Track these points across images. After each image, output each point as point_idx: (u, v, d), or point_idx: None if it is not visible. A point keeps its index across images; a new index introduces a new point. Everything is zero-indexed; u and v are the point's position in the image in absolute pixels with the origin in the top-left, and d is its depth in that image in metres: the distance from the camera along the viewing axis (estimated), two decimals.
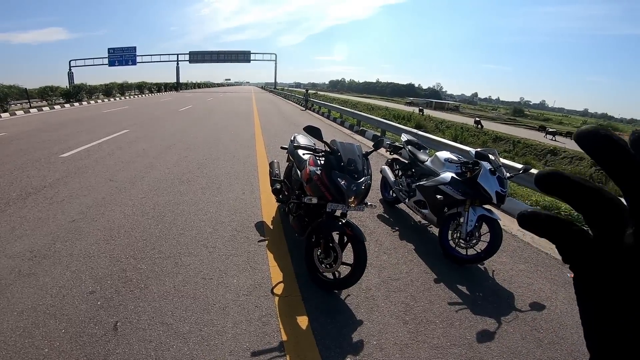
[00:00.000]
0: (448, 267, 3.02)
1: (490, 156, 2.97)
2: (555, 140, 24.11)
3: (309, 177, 2.46)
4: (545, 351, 2.11)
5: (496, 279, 2.93)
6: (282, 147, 3.16)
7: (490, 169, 2.90)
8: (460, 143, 13.16)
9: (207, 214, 3.71)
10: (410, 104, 52.85)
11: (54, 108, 16.37)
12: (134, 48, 44.23)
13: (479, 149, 3.10)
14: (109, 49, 43.42)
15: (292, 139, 3.46)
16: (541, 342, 2.18)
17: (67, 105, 17.97)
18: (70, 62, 41.27)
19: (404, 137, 4.31)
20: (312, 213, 2.56)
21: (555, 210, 4.45)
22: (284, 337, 2.01)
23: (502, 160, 4.93)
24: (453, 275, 2.89)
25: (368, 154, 2.52)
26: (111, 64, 43.32)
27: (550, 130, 27.51)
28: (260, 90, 65.32)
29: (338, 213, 2.40)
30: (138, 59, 44.98)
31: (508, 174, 3.05)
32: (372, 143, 4.34)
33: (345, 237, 2.37)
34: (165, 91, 41.36)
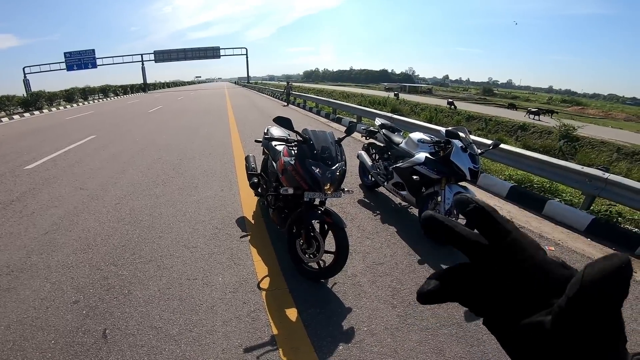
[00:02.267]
0: (431, 246, 3.05)
1: (461, 134, 3.05)
2: (540, 120, 23.09)
3: (284, 168, 2.45)
4: None
5: None
6: (256, 141, 3.12)
7: (461, 146, 2.98)
8: (435, 124, 13.46)
9: (186, 214, 3.63)
10: (389, 89, 53.30)
11: (13, 118, 15.36)
12: (93, 51, 41.90)
13: (449, 128, 3.17)
14: (65, 53, 40.89)
15: (265, 131, 3.41)
16: None
17: (26, 115, 16.89)
18: (24, 68, 38.55)
19: (378, 121, 4.35)
20: (290, 204, 2.56)
21: (528, 184, 4.64)
22: (275, 331, 2.01)
23: (472, 137, 5.10)
24: (436, 255, 2.93)
25: (341, 139, 2.52)
26: (69, 68, 40.91)
27: (533, 109, 26.67)
28: (233, 86, 63.80)
29: (317, 202, 2.41)
30: (99, 61, 42.69)
31: (479, 151, 3.14)
32: (363, 132, 4.36)
33: (325, 226, 2.38)
34: (132, 93, 39.63)
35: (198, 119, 12.17)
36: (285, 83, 20.17)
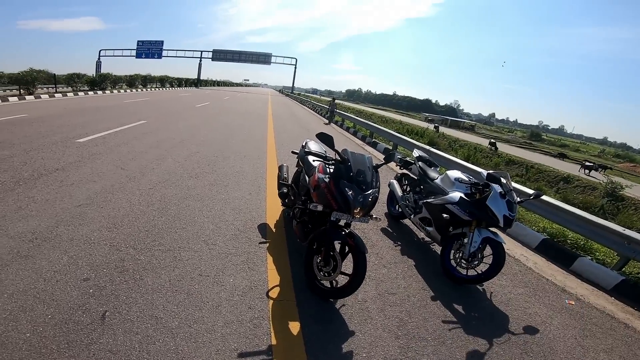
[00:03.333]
0: (446, 285, 3.00)
1: (502, 179, 2.92)
2: (589, 175, 21.51)
3: (317, 184, 2.45)
4: None
5: (493, 300, 2.92)
6: (292, 152, 3.16)
7: (500, 192, 2.86)
8: (472, 163, 13.02)
9: (212, 210, 3.73)
10: (430, 121, 52.58)
11: (78, 95, 16.88)
12: (162, 42, 45.42)
13: (490, 171, 3.05)
14: (138, 41, 44.73)
15: (303, 144, 3.46)
16: None
17: (90, 93, 18.51)
18: (100, 51, 42.75)
19: (416, 153, 4.29)
20: (315, 220, 2.55)
21: (561, 238, 4.51)
22: (274, 341, 1.99)
23: (514, 184, 4.86)
24: (450, 294, 2.87)
25: (378, 166, 2.51)
26: (138, 56, 44.57)
27: (588, 163, 24.10)
28: (277, 94, 66.10)
29: (342, 222, 2.38)
30: (164, 53, 46.13)
31: (518, 199, 3.00)
32: (383, 156, 4.33)
33: (346, 247, 2.36)
34: (186, 86, 42.24)
35: (239, 120, 12.67)
36: (330, 99, 18.90)
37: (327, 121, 17.10)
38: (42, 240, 2.67)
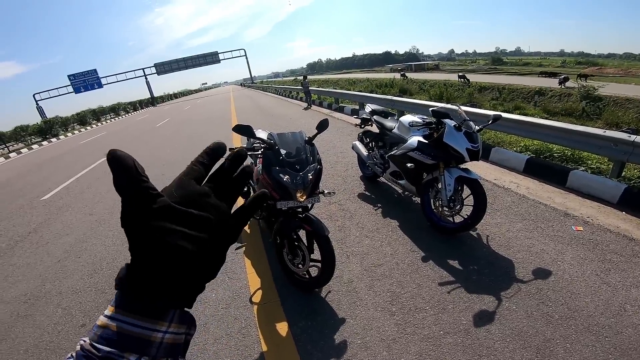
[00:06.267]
0: (436, 240, 2.79)
1: (452, 108, 2.75)
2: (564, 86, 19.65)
3: (257, 178, 2.32)
4: (557, 329, 1.82)
5: (491, 245, 2.62)
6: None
7: (455, 125, 2.72)
8: (447, 100, 12.91)
9: None
10: (394, 70, 51.71)
11: (32, 148, 16.12)
12: (95, 70, 42.81)
13: (434, 107, 2.87)
14: (68, 76, 41.91)
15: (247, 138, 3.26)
16: (551, 318, 1.90)
17: (44, 143, 17.70)
18: (34, 95, 39.95)
19: (368, 108, 4.09)
20: (276, 213, 2.42)
21: (547, 154, 4.29)
22: (264, 348, 1.94)
23: (471, 109, 4.70)
24: (442, 249, 2.64)
25: (312, 138, 2.31)
26: (77, 91, 42.12)
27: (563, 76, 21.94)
28: (239, 88, 64.06)
29: (300, 209, 2.25)
30: (103, 80, 43.76)
31: (477, 127, 2.80)
32: (356, 119, 4.08)
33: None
34: (142, 108, 40.59)
35: (202, 127, 12.23)
36: (302, 79, 14.68)
37: (305, 105, 13.82)
38: (35, 299, 2.83)
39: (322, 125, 2.28)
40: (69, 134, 20.83)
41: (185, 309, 0.31)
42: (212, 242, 0.31)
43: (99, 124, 26.23)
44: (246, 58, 58.77)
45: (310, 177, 2.08)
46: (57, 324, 2.44)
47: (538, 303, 2.00)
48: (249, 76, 66.51)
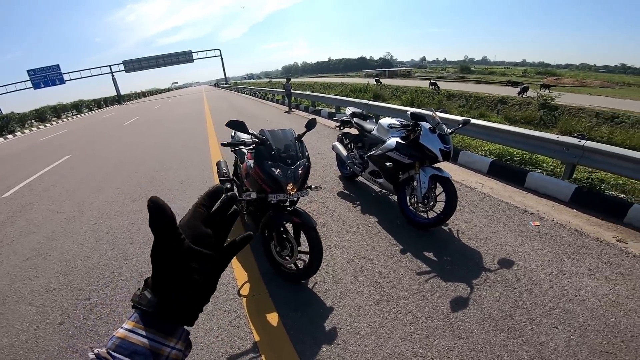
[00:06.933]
0: (413, 234, 3.00)
1: (427, 113, 3.00)
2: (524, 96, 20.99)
3: (247, 172, 2.39)
4: (523, 312, 2.03)
5: (462, 239, 2.89)
6: (222, 144, 3.01)
7: (430, 127, 2.95)
8: (418, 106, 13.50)
9: None
10: (368, 76, 52.89)
11: None
12: (57, 66, 40.07)
13: (413, 110, 3.12)
14: (28, 71, 38.90)
15: (232, 134, 3.33)
16: (517, 302, 2.12)
17: (0, 139, 16.32)
18: None
19: (348, 110, 4.29)
20: (262, 207, 2.51)
21: (508, 157, 4.65)
22: (257, 337, 1.99)
23: (443, 115, 5.04)
24: (419, 242, 2.86)
25: (301, 136, 2.45)
26: (36, 86, 39.18)
27: (524, 86, 23.37)
28: (212, 88, 62.61)
29: (287, 203, 2.36)
30: (66, 76, 41.09)
31: (449, 130, 3.07)
32: (335, 121, 4.24)
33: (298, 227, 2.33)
34: (107, 106, 38.57)
35: (176, 126, 11.91)
36: (285, 81, 13.70)
37: (287, 108, 13.14)
38: (5, 298, 2.69)
39: (311, 124, 2.44)
40: (27, 131, 19.38)
41: (187, 329, 0.39)
42: (213, 274, 0.39)
43: (60, 121, 24.60)
44: (221, 58, 57.71)
45: (300, 171, 2.19)
46: (31, 322, 2.35)
47: (505, 289, 2.23)
48: (223, 77, 65.24)
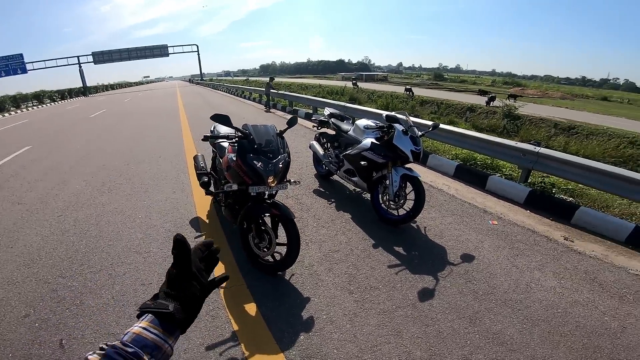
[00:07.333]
0: (384, 230, 3.17)
1: (400, 116, 3.20)
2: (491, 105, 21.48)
3: (228, 165, 2.44)
4: (482, 302, 2.21)
5: (428, 235, 3.09)
6: (202, 139, 3.06)
7: (402, 130, 3.14)
8: (392, 110, 13.80)
9: (136, 220, 3.50)
10: (346, 79, 53.52)
11: None
12: (21, 55, 37.56)
13: (388, 113, 3.30)
14: None
15: (211, 129, 3.35)
16: (477, 294, 2.30)
17: None
18: None
19: (327, 111, 4.42)
20: (241, 200, 2.56)
21: (472, 161, 4.97)
22: (235, 327, 2.02)
23: (414, 119, 5.33)
24: (390, 238, 3.02)
25: (282, 132, 2.55)
26: None
27: (491, 95, 23.77)
28: (186, 84, 60.81)
29: (266, 195, 2.43)
30: (29, 66, 38.50)
31: (420, 133, 3.30)
32: (314, 120, 4.36)
33: (276, 219, 2.40)
34: (72, 98, 36.41)
35: (147, 120, 11.53)
36: (268, 80, 13.38)
37: (265, 108, 12.90)
38: None
39: (292, 122, 2.54)
40: None
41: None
42: (201, 295, 0.55)
43: (19, 111, 22.92)
44: (198, 54, 56.23)
45: (281, 165, 2.28)
46: None
47: (466, 282, 2.43)
48: (199, 72, 63.57)
